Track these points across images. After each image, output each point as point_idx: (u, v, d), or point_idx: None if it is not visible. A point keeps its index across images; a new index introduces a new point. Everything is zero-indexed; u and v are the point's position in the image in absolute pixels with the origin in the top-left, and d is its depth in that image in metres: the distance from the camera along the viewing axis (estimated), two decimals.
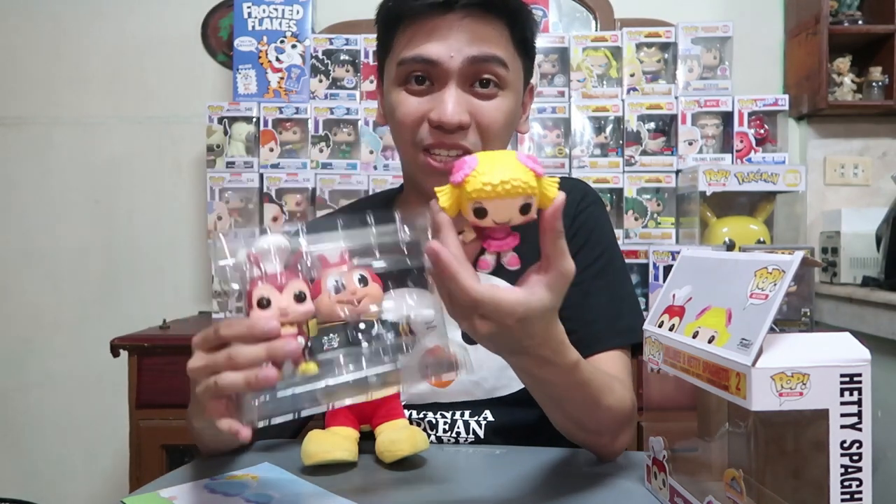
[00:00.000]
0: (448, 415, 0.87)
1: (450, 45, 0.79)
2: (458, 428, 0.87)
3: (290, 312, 0.56)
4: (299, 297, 0.57)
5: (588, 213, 0.92)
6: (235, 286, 0.56)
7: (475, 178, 0.52)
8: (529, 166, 0.53)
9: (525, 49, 0.86)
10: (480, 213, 0.53)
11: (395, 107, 0.84)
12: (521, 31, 0.84)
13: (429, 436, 0.85)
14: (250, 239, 0.58)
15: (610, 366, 0.82)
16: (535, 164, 0.53)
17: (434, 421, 0.87)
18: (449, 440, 0.87)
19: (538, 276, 0.56)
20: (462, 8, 0.79)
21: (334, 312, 0.77)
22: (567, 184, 0.97)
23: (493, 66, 0.80)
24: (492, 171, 0.52)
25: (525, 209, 0.53)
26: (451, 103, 0.79)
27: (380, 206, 0.98)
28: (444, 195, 0.55)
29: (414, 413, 0.87)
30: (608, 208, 1.89)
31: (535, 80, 1.91)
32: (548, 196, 0.54)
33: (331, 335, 0.72)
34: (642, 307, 1.37)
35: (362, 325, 0.77)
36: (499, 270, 0.57)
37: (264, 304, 0.55)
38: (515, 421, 0.86)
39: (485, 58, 0.80)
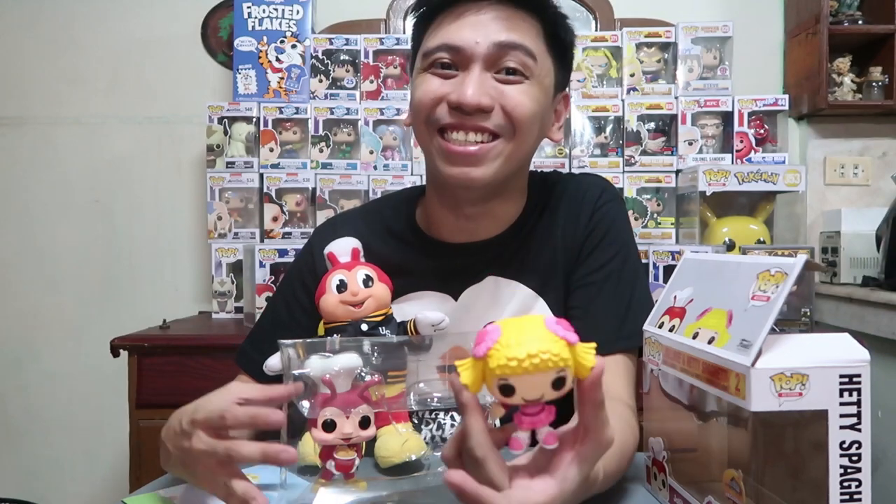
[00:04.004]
0: (458, 418, 0.86)
1: (476, 31, 0.77)
2: None
3: (353, 437, 0.58)
4: (363, 424, 0.58)
5: (605, 210, 0.90)
6: (305, 404, 0.58)
7: (498, 351, 0.46)
8: (560, 335, 0.47)
9: (557, 50, 0.84)
10: (507, 390, 0.47)
11: (416, 89, 0.80)
12: (553, 28, 0.82)
13: (433, 437, 0.85)
14: (324, 353, 0.59)
15: (613, 372, 0.81)
16: (566, 332, 0.47)
17: (442, 423, 0.87)
18: None
19: (572, 453, 0.50)
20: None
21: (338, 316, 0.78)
22: (586, 180, 0.95)
23: (520, 53, 0.78)
24: (517, 344, 0.46)
25: (558, 384, 0.47)
26: (472, 85, 0.76)
27: (402, 209, 0.95)
28: (465, 370, 0.49)
29: (426, 414, 0.87)
30: None
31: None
32: (584, 365, 0.48)
33: (335, 336, 0.72)
34: None
35: (364, 327, 0.78)
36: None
37: (328, 425, 0.57)
38: None
39: (511, 44, 0.77)
